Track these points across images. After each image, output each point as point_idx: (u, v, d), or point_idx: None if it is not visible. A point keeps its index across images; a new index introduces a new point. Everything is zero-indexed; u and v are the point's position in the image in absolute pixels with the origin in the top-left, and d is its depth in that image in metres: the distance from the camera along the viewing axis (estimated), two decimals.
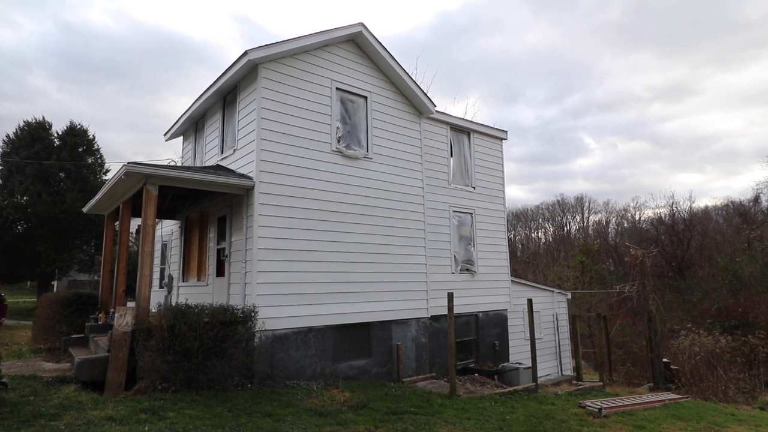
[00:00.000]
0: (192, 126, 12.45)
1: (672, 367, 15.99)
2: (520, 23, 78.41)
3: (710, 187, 75.45)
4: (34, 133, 25.58)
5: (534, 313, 11.12)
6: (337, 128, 9.96)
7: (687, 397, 11.72)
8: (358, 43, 10.48)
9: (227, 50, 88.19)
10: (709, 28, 73.31)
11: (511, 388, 10.17)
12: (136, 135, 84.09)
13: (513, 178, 75.06)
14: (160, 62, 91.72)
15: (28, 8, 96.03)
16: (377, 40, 10.43)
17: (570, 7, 75.53)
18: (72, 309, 10.57)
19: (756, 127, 72.78)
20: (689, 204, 45.95)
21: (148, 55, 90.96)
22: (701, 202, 75.27)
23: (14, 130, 25.77)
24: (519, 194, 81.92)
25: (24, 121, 25.95)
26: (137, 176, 7.85)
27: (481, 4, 76.18)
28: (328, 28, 9.75)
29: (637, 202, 62.04)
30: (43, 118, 26.40)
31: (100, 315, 9.92)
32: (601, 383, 12.59)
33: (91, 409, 5.71)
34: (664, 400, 10.40)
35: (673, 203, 45.40)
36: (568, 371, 15.29)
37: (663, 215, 45.23)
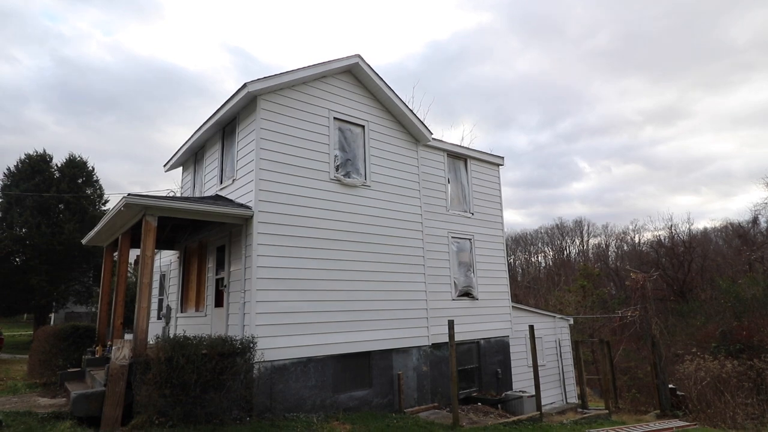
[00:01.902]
0: (191, 157, 12.58)
1: (678, 393, 15.72)
2: (510, 51, 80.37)
3: (707, 209, 75.84)
4: (35, 165, 25.84)
5: (536, 340, 10.99)
6: (336, 157, 10.07)
7: (695, 425, 11.49)
8: (354, 73, 10.71)
9: (222, 81, 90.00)
10: (697, 53, 75.15)
11: (515, 418, 9.98)
12: (133, 165, 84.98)
13: (510, 202, 75.60)
14: (157, 93, 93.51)
15: (27, 43, 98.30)
16: (373, 70, 10.65)
17: (558, 35, 77.50)
18: (69, 342, 10.42)
19: (749, 149, 73.79)
20: (688, 226, 46.19)
21: (144, 86, 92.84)
22: (699, 224, 75.64)
23: (15, 163, 26.09)
24: (516, 218, 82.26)
25: (25, 154, 26.29)
26: (137, 208, 7.89)
27: (470, 33, 78.25)
28: (326, 60, 9.98)
29: (635, 225, 62.30)
30: (44, 150, 26.74)
31: (97, 348, 9.79)
32: (607, 411, 12.36)
33: None
34: (672, 428, 10.20)
35: (671, 225, 45.47)
36: (573, 399, 15.00)
37: (662, 238, 45.26)
